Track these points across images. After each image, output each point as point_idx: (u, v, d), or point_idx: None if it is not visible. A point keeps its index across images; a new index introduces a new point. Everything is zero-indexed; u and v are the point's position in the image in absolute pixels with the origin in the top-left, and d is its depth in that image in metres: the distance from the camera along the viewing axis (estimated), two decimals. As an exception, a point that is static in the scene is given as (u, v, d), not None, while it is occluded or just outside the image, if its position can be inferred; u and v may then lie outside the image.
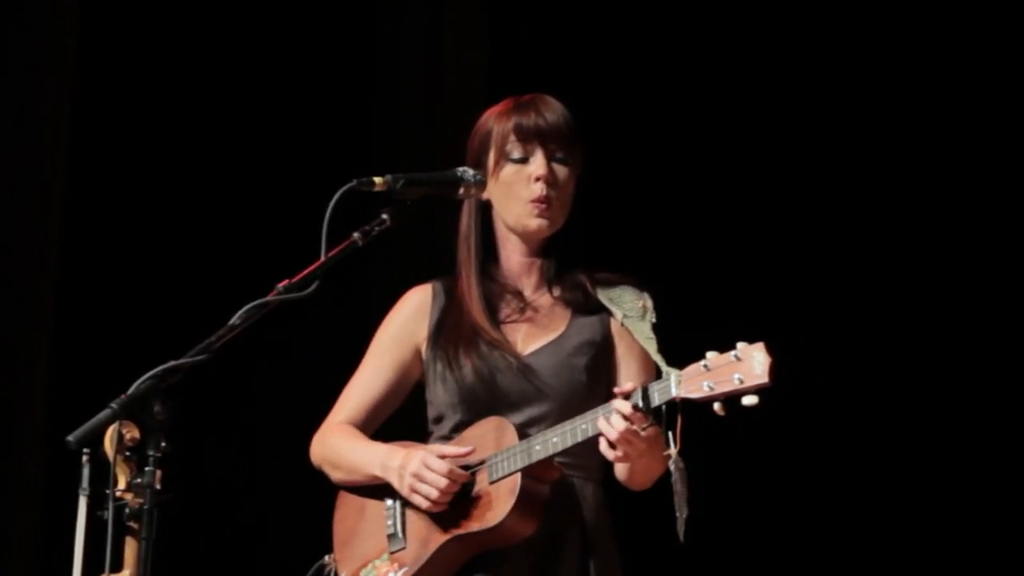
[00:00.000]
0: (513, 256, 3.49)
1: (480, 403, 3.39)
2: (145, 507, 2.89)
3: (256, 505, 5.13)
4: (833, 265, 5.23)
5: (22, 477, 4.90)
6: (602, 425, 3.14)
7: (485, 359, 3.39)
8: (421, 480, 3.28)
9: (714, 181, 5.31)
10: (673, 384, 3.06)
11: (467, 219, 3.50)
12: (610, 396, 3.19)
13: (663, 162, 5.32)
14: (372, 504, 3.44)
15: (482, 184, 3.35)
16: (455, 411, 3.42)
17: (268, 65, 5.33)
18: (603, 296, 3.44)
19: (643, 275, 3.50)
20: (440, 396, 3.45)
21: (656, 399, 3.09)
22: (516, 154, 3.41)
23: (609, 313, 3.44)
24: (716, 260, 5.24)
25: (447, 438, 3.43)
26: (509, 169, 3.42)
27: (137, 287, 5.10)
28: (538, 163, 3.41)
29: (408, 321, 3.54)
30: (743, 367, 2.97)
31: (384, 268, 4.93)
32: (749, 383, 2.96)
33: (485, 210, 3.50)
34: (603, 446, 3.16)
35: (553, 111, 3.44)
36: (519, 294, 3.48)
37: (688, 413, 3.05)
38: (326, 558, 3.50)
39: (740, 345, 3.00)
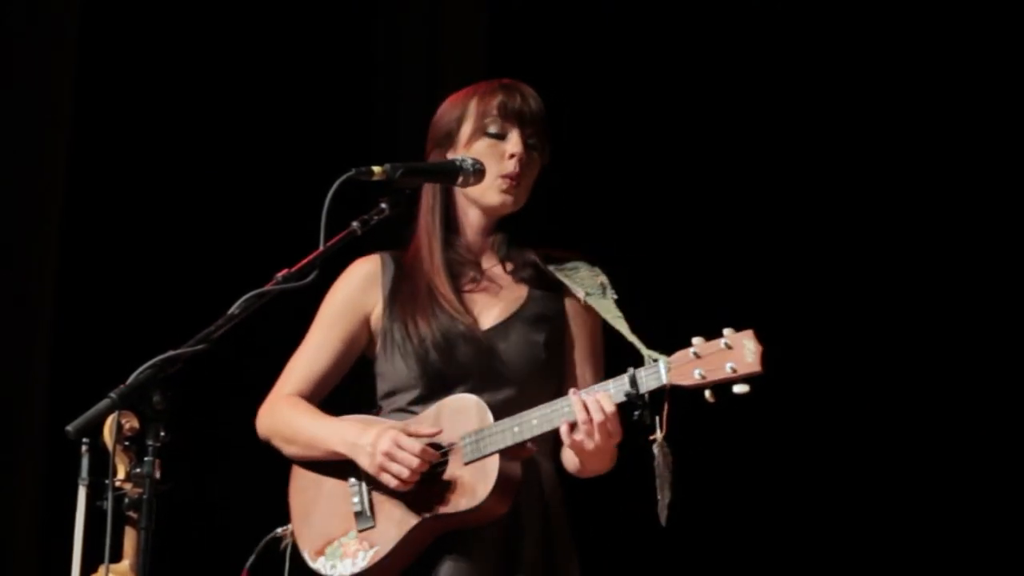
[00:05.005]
0: (470, 231, 3.49)
1: (440, 376, 3.37)
2: (144, 497, 2.85)
3: (255, 497, 5.12)
4: (806, 249, 5.22)
5: (22, 467, 4.89)
6: (578, 410, 3.14)
7: (446, 331, 3.37)
8: (392, 459, 3.25)
9: (692, 168, 5.32)
10: (663, 371, 3.06)
11: (432, 191, 3.47)
12: (563, 373, 3.34)
13: (654, 153, 5.33)
14: (331, 479, 3.39)
15: (481, 173, 3.35)
16: (414, 384, 3.39)
17: (269, 56, 5.33)
18: (559, 274, 3.45)
19: (611, 255, 3.51)
20: (398, 368, 3.41)
21: (645, 385, 3.09)
22: (493, 129, 3.42)
23: (563, 290, 3.45)
24: (687, 244, 5.25)
25: (407, 412, 3.39)
26: (483, 142, 3.42)
27: (136, 277, 5.08)
28: (514, 141, 3.42)
29: (357, 292, 3.50)
30: (735, 355, 2.98)
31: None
32: (742, 371, 2.97)
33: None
34: (563, 429, 3.17)
35: (535, 99, 3.47)
36: (477, 265, 3.48)
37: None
38: (279, 530, 3.45)
39: (727, 332, 3.01)
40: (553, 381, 3.42)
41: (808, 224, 5.24)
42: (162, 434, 2.85)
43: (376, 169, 3.15)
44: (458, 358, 3.37)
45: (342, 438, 3.34)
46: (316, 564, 3.34)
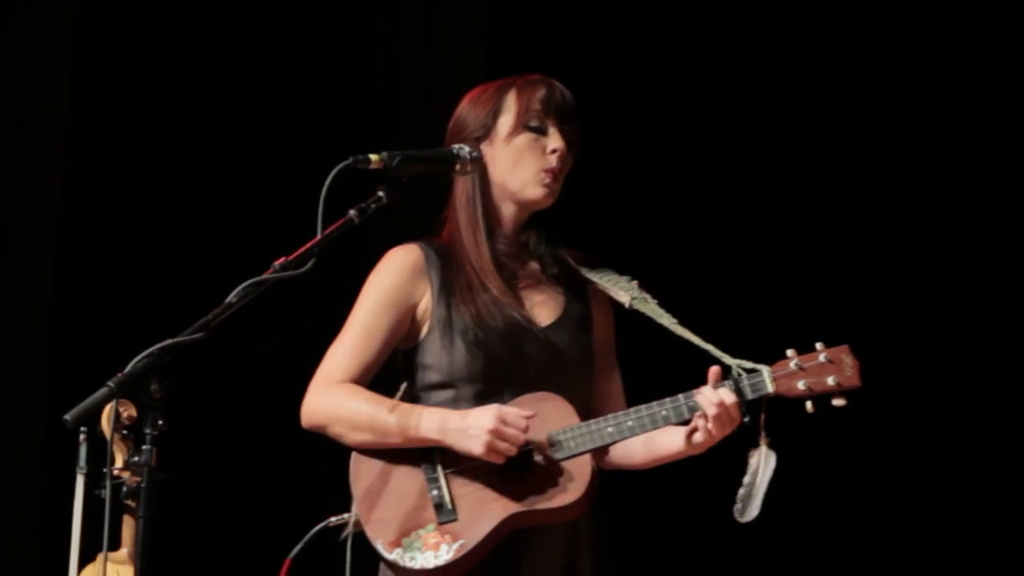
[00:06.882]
0: (506, 224, 3.48)
1: (505, 369, 3.35)
2: (142, 485, 2.85)
3: (255, 482, 5.13)
4: (827, 262, 5.23)
5: (20, 455, 4.90)
6: (704, 399, 3.23)
7: (512, 325, 3.36)
8: (500, 436, 3.23)
9: (694, 168, 5.32)
10: (768, 380, 3.25)
11: (470, 184, 3.45)
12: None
13: (658, 158, 5.33)
14: (399, 468, 3.34)
15: (479, 161, 3.35)
16: (476, 377, 3.35)
17: (269, 53, 5.34)
18: (594, 277, 3.48)
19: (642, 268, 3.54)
20: (456, 359, 3.37)
21: (749, 393, 3.26)
22: (534, 123, 3.44)
23: (588, 292, 3.49)
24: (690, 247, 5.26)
25: (465, 405, 3.35)
26: (525, 137, 3.43)
27: (134, 265, 5.09)
28: (556, 137, 3.44)
29: (405, 281, 3.44)
30: (837, 370, 3.23)
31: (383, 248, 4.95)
32: (845, 385, 3.23)
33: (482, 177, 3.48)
34: (702, 431, 3.26)
35: (570, 96, 3.50)
36: (514, 260, 3.48)
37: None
38: (332, 519, 3.38)
39: (820, 346, 3.25)
40: (590, 384, 3.46)
41: (815, 229, 5.25)
42: (160, 422, 2.85)
43: (373, 157, 3.15)
44: (523, 353, 3.37)
45: (437, 426, 3.29)
46: (392, 555, 3.28)
